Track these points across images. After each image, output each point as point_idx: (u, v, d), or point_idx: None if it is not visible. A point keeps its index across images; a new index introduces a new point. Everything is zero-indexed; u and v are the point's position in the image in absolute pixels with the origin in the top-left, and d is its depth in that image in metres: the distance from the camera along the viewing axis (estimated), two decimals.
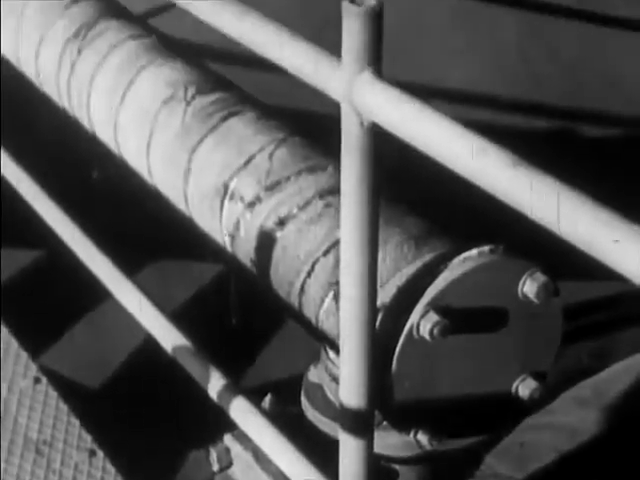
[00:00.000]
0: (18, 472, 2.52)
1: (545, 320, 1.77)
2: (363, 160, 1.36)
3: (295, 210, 1.94)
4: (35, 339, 3.11)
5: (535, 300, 1.69)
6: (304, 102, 2.80)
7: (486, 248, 1.71)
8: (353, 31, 1.25)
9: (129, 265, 2.46)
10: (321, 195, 1.94)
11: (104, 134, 2.48)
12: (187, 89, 2.28)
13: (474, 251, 1.71)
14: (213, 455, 2.13)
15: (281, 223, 1.95)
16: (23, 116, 3.94)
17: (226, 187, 2.07)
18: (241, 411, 1.96)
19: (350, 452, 1.61)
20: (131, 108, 2.36)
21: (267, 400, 2.13)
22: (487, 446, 3.12)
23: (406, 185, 2.08)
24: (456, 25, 5.27)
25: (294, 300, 1.91)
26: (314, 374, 2.11)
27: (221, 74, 2.43)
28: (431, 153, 1.21)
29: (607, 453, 3.24)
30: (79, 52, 2.56)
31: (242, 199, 2.03)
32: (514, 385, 1.79)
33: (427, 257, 1.74)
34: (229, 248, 2.08)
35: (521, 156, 1.13)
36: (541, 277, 1.68)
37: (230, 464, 2.12)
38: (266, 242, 1.97)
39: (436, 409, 1.75)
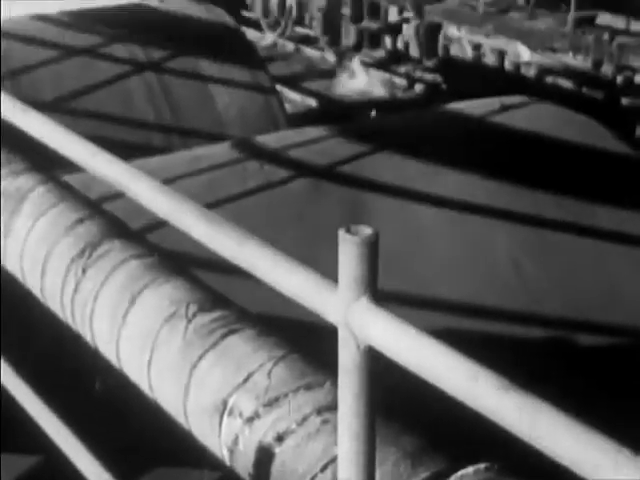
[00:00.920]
0: None
1: None
2: (359, 380, 1.41)
3: (293, 426, 1.97)
4: None
5: None
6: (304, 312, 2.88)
7: (482, 466, 1.74)
8: (349, 259, 1.32)
9: (127, 474, 2.47)
10: (319, 411, 1.98)
11: (106, 349, 2.54)
12: (188, 307, 2.35)
13: (470, 469, 1.73)
14: None
15: (279, 439, 1.97)
16: (24, 326, 4.01)
17: (225, 403, 2.11)
18: None
19: None
20: (133, 325, 2.42)
21: None
22: None
23: (402, 401, 2.12)
24: (452, 237, 5.40)
25: None
26: None
27: (221, 293, 2.50)
28: (425, 376, 1.26)
29: None
30: (84, 271, 2.65)
31: (241, 415, 2.07)
32: None
33: (423, 476, 1.76)
34: (228, 462, 2.10)
35: (513, 369, 1.18)
36: None
37: None
38: (265, 457, 1.99)
39: None
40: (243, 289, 2.75)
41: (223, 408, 2.11)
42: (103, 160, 2.51)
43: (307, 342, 2.26)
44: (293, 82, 15.39)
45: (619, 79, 12.75)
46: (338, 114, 13.79)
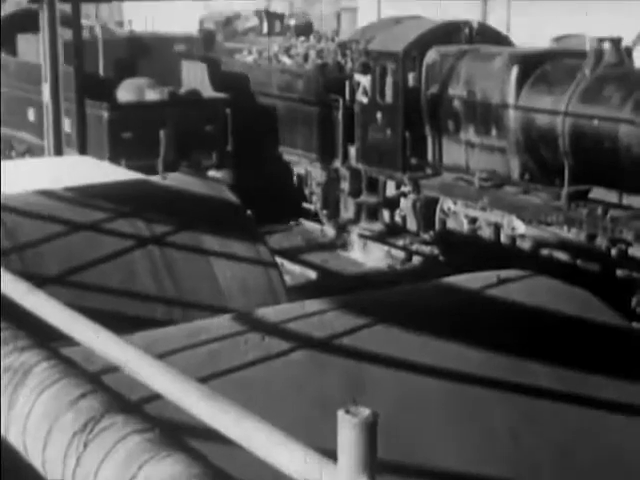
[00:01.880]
0: None
1: None
2: None
3: None
4: None
5: None
6: None
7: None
8: (349, 440, 1.36)
9: None
10: None
11: None
12: None
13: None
14: None
15: None
16: None
17: None
18: None
19: None
20: None
21: None
22: None
23: None
24: (449, 408, 5.41)
25: None
26: None
27: (221, 467, 2.53)
28: None
29: None
30: (85, 446, 2.68)
31: None
32: None
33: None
34: None
35: None
36: None
37: None
38: None
39: None
40: (244, 461, 2.77)
41: None
42: (104, 339, 2.59)
43: None
44: (293, 255, 15.60)
45: (613, 252, 12.91)
46: (337, 286, 13.93)
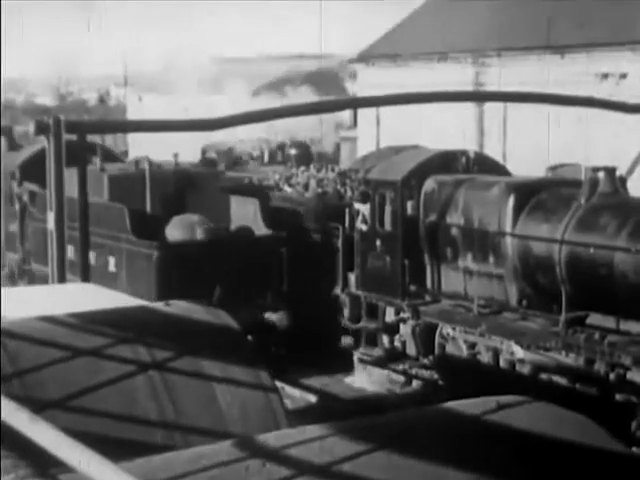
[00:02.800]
0: None
1: None
2: None
3: None
4: None
5: None
6: None
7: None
8: None
9: None
10: None
11: None
12: None
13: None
14: None
15: None
16: None
17: None
18: None
19: None
20: None
21: None
22: None
23: None
24: None
25: None
26: None
27: None
28: None
29: None
30: None
31: None
32: None
33: None
34: None
35: None
36: None
37: None
38: None
39: None
40: None
41: None
42: (103, 468, 2.65)
43: None
44: (294, 379, 15.56)
45: (612, 376, 12.93)
46: (337, 410, 13.90)
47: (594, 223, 13.67)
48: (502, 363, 14.56)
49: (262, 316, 15.66)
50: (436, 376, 15.84)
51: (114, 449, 4.54)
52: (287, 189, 19.05)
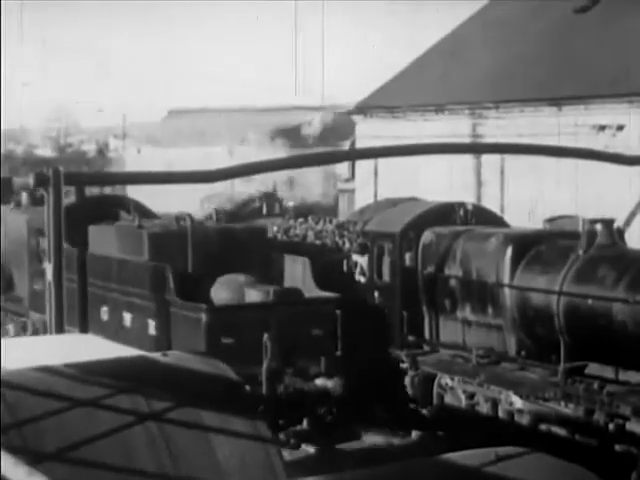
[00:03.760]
0: None
1: None
2: None
3: None
4: None
5: None
6: None
7: None
8: None
9: None
10: None
11: None
12: None
13: None
14: None
15: None
16: None
17: None
18: None
19: None
20: None
21: None
22: None
23: None
24: None
25: None
26: None
27: None
28: None
29: None
30: None
31: None
32: None
33: None
34: None
35: None
36: None
37: None
38: None
39: None
40: None
41: None
42: None
43: None
44: None
45: (611, 427, 12.90)
46: (336, 461, 13.84)
47: (592, 274, 13.70)
48: (501, 413, 14.52)
49: (316, 383, 14.76)
50: (435, 427, 15.77)
51: None
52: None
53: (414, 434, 15.79)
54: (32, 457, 6.31)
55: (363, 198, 27.29)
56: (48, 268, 14.44)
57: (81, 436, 7.00)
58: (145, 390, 7.45)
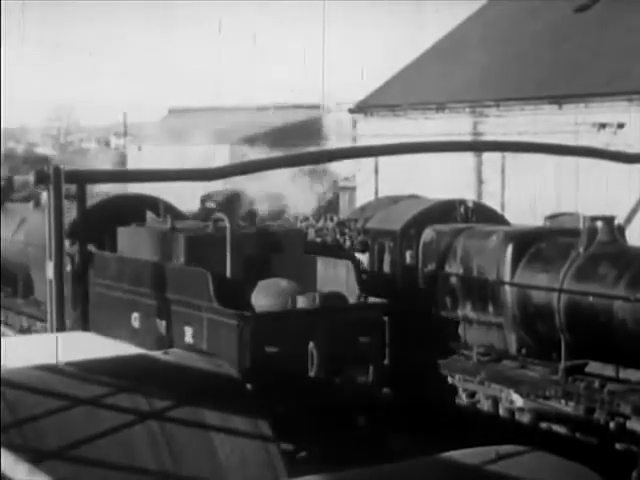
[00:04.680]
0: None
1: None
2: None
3: None
4: None
5: None
6: None
7: None
8: None
9: None
10: None
11: None
12: None
13: None
14: None
15: None
16: None
17: None
18: None
19: None
20: None
21: None
22: None
23: None
24: None
25: None
26: None
27: None
28: None
29: None
30: None
31: None
32: None
33: None
34: None
35: None
36: None
37: None
38: None
39: None
40: None
41: None
42: None
43: None
44: None
45: (611, 425, 12.89)
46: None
47: (593, 272, 13.69)
48: (501, 412, 14.52)
49: (367, 394, 13.95)
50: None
51: None
52: None
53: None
54: (32, 456, 6.32)
55: (364, 196, 27.30)
56: (49, 266, 14.44)
57: (82, 435, 7.00)
58: (146, 388, 7.45)
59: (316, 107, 41.98)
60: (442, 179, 25.49)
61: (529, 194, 24.35)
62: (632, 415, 12.67)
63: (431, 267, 15.96)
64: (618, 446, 12.87)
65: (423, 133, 25.17)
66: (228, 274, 14.72)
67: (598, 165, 21.58)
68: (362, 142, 29.22)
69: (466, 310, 15.43)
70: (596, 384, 13.22)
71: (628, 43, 24.58)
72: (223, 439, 7.23)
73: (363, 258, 16.82)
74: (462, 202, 17.11)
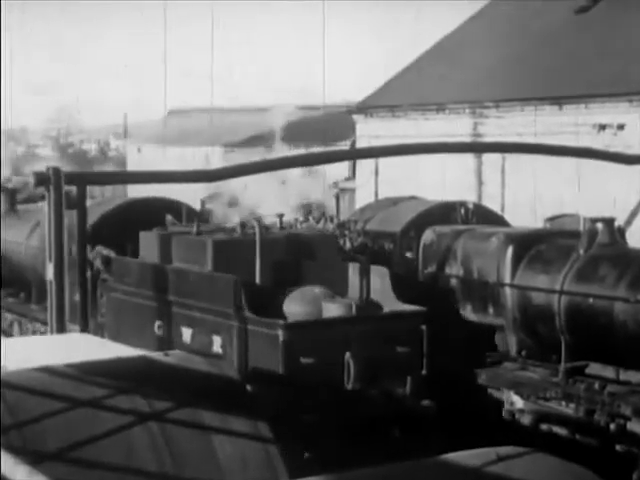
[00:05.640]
0: None
1: None
2: None
3: None
4: None
5: None
6: None
7: None
8: None
9: None
10: None
11: None
12: None
13: None
14: None
15: None
16: None
17: None
18: None
19: None
20: None
21: None
22: None
23: None
24: None
25: None
26: None
27: None
28: None
29: None
30: None
31: None
32: None
33: None
34: None
35: None
36: None
37: None
38: None
39: None
40: None
41: None
42: None
43: None
44: None
45: (612, 427, 12.90)
46: None
47: (593, 273, 13.70)
48: (502, 413, 14.51)
49: (406, 406, 13.44)
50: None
51: None
52: None
53: None
54: (32, 457, 6.32)
55: (364, 197, 27.30)
56: (49, 268, 14.44)
57: (82, 437, 7.01)
58: (146, 390, 7.45)
59: (316, 108, 41.99)
60: (442, 180, 25.49)
61: (529, 195, 24.35)
62: (633, 417, 12.67)
63: (431, 269, 15.96)
64: (619, 448, 12.87)
65: (423, 134, 25.18)
66: (257, 280, 14.16)
67: (598, 166, 21.58)
68: (361, 143, 29.23)
69: (466, 312, 15.43)
70: (596, 386, 13.23)
71: (629, 44, 24.58)
72: (223, 441, 7.23)
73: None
74: (462, 204, 17.11)
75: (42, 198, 19.20)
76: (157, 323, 14.43)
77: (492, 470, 6.73)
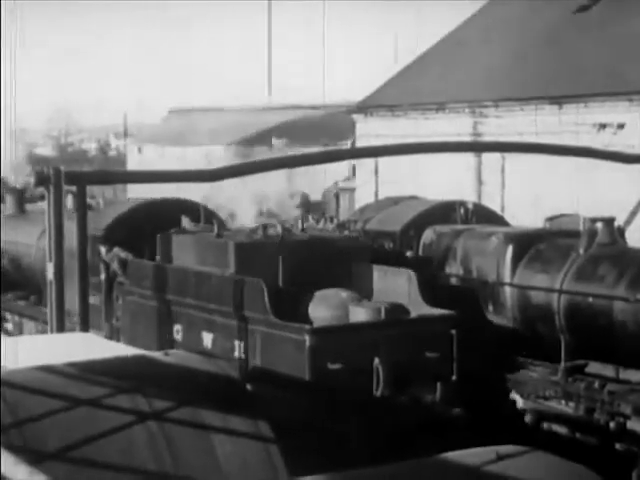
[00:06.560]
0: None
1: None
2: None
3: None
4: None
5: None
6: None
7: None
8: None
9: None
10: None
11: None
12: None
13: None
14: None
15: None
16: None
17: None
18: None
19: None
20: None
21: None
22: None
23: None
24: None
25: None
26: None
27: None
28: None
29: None
30: None
31: None
32: None
33: None
34: None
35: None
36: None
37: None
38: None
39: None
40: None
41: None
42: None
43: None
44: None
45: (612, 425, 12.90)
46: None
47: (593, 273, 13.71)
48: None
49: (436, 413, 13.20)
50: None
51: None
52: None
53: None
54: (33, 457, 6.32)
55: (364, 197, 27.31)
56: (49, 267, 14.45)
57: (82, 436, 7.01)
58: (146, 389, 7.46)
59: (316, 107, 42.02)
60: (441, 180, 25.50)
61: (529, 195, 24.36)
62: (632, 415, 12.69)
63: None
64: (618, 446, 12.88)
65: (423, 133, 25.18)
66: (280, 283, 13.80)
67: (598, 166, 21.59)
68: (361, 143, 29.24)
69: None
70: (596, 384, 13.24)
71: (628, 44, 24.59)
72: (223, 440, 7.23)
73: None
74: (462, 203, 17.12)
75: (42, 198, 19.22)
76: (175, 327, 14.09)
77: (492, 469, 6.74)
